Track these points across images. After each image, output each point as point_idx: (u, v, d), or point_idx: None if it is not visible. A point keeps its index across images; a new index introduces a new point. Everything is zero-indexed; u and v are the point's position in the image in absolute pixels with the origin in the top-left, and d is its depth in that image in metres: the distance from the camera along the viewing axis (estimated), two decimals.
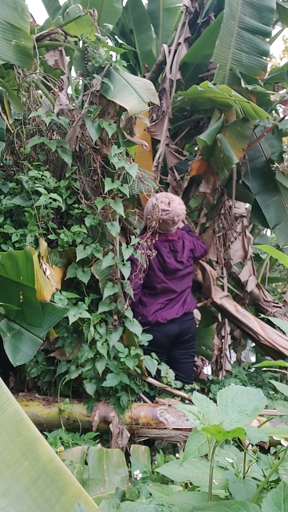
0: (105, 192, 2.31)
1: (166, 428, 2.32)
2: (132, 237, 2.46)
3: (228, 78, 2.93)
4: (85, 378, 2.33)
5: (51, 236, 2.32)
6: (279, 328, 3.14)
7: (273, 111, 3.66)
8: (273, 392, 2.99)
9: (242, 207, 3.70)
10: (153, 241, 2.65)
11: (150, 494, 1.25)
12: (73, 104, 2.50)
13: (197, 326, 3.19)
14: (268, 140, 3.49)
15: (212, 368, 3.74)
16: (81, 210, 2.37)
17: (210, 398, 0.95)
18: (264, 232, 5.03)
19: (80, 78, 2.42)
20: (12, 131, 2.41)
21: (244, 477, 0.90)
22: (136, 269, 2.51)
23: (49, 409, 2.32)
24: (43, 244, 2.21)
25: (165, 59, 3.27)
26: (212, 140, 2.80)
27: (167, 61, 3.22)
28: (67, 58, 2.64)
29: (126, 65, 3.16)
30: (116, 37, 4.22)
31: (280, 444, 0.97)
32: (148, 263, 2.62)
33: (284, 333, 3.20)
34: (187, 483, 1.08)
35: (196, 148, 3.72)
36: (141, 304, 2.75)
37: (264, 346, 3.26)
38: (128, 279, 2.48)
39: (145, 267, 2.52)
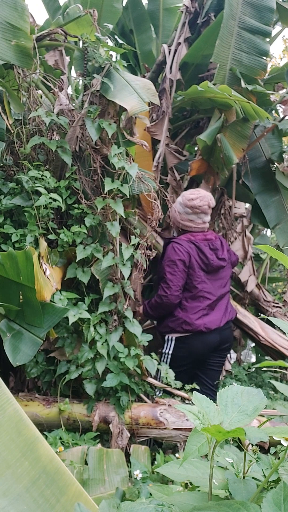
0: (105, 192, 2.31)
1: (166, 428, 2.32)
2: (132, 237, 2.46)
3: (228, 78, 2.93)
4: (85, 378, 2.33)
5: (51, 236, 2.32)
6: (279, 328, 3.14)
7: (273, 111, 3.66)
8: (273, 392, 2.99)
9: (242, 207, 3.69)
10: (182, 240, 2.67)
11: (150, 494, 1.25)
12: (73, 104, 2.50)
13: None
14: (268, 140, 3.50)
15: None
16: (81, 210, 2.37)
17: None
18: (264, 232, 5.03)
19: (80, 78, 2.42)
20: (12, 131, 2.41)
21: (244, 477, 0.90)
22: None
23: (49, 409, 2.32)
24: (43, 244, 2.21)
25: (165, 59, 3.27)
26: (212, 140, 2.80)
27: (167, 61, 3.22)
28: (67, 58, 2.64)
29: (126, 65, 3.16)
30: (116, 37, 4.22)
31: (280, 444, 0.97)
32: (190, 261, 2.58)
33: (284, 333, 3.20)
34: (187, 483, 1.08)
35: (196, 148, 3.72)
36: (181, 309, 2.63)
37: (264, 346, 3.26)
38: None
39: (145, 267, 2.52)
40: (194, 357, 2.65)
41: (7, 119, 2.41)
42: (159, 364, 2.54)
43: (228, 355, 3.69)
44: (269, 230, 4.62)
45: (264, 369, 3.35)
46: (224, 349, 2.77)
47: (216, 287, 2.70)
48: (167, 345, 2.66)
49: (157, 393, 2.53)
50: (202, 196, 2.67)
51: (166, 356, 2.62)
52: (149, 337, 2.49)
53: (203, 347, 2.63)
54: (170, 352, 2.62)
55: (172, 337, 2.64)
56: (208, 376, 2.76)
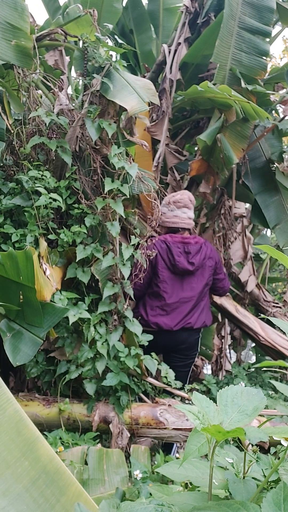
0: (105, 192, 2.31)
1: (166, 428, 2.32)
2: (132, 237, 2.46)
3: (228, 78, 2.93)
4: (85, 378, 2.33)
5: (51, 236, 2.32)
6: (279, 328, 3.14)
7: (273, 111, 3.66)
8: (273, 392, 2.99)
9: (242, 207, 3.70)
10: (166, 240, 2.67)
11: (150, 494, 1.25)
12: (73, 104, 2.50)
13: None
14: (268, 140, 3.50)
15: (212, 368, 3.74)
16: (81, 210, 2.37)
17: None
18: (264, 232, 5.03)
19: (80, 78, 2.42)
20: (12, 131, 2.41)
21: (244, 477, 0.90)
22: (136, 269, 2.51)
23: (49, 409, 2.32)
24: (43, 244, 2.21)
25: (165, 59, 3.27)
26: (212, 140, 2.80)
27: (167, 61, 3.22)
28: (67, 58, 2.64)
29: (126, 65, 3.16)
30: (116, 37, 4.22)
31: (280, 444, 0.97)
32: (155, 259, 2.60)
33: (284, 333, 3.20)
34: (187, 483, 1.08)
35: (196, 148, 3.72)
36: (142, 304, 2.71)
37: (264, 346, 3.26)
38: (129, 279, 2.48)
39: (145, 267, 2.51)
40: (156, 352, 2.63)
41: (7, 119, 2.41)
42: (159, 364, 2.54)
43: (227, 354, 3.68)
44: (269, 230, 4.62)
45: (264, 369, 3.35)
46: (182, 349, 2.74)
47: (180, 289, 2.69)
48: None
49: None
50: (182, 192, 2.82)
51: None
52: (150, 337, 2.50)
53: (157, 345, 2.60)
54: None
55: None
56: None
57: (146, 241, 2.60)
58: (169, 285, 2.68)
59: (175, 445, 2.59)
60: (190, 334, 2.73)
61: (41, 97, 2.69)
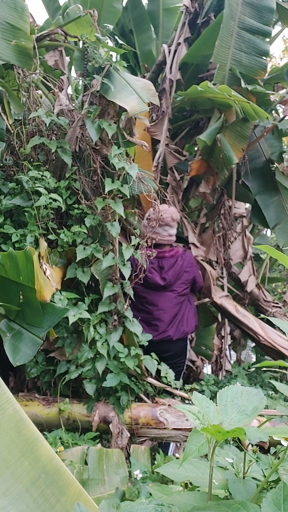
0: (105, 193, 2.31)
1: (166, 428, 2.32)
2: (132, 237, 2.46)
3: (228, 78, 2.93)
4: (85, 378, 2.33)
5: (51, 236, 2.32)
6: (279, 328, 3.13)
7: (273, 111, 3.66)
8: (273, 392, 2.99)
9: (242, 207, 3.70)
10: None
11: (150, 494, 1.25)
12: (73, 105, 2.50)
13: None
14: (268, 140, 3.50)
15: (212, 368, 3.74)
16: (81, 210, 2.38)
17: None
18: (264, 232, 5.03)
19: (80, 78, 2.42)
20: (12, 131, 2.41)
21: (244, 477, 0.90)
22: (136, 269, 2.51)
23: (49, 409, 2.32)
24: (43, 244, 2.21)
25: (165, 59, 3.27)
26: (212, 140, 2.80)
27: (167, 61, 3.22)
28: (67, 59, 2.64)
29: (126, 66, 3.16)
30: (116, 37, 4.22)
31: (280, 444, 0.97)
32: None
33: (284, 333, 3.20)
34: (187, 483, 1.08)
35: (196, 148, 3.72)
36: None
37: (264, 346, 3.26)
38: (129, 279, 2.48)
39: (145, 267, 2.51)
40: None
41: (7, 119, 2.41)
42: (159, 364, 2.54)
43: (227, 354, 3.68)
44: (269, 230, 4.62)
45: (264, 369, 3.35)
46: (167, 358, 2.72)
47: (157, 302, 2.72)
48: None
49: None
50: (165, 210, 2.75)
51: None
52: (149, 336, 2.50)
53: (146, 350, 2.59)
54: None
55: None
56: None
57: (147, 241, 2.60)
58: (144, 299, 2.72)
59: (172, 444, 2.59)
60: (173, 344, 2.74)
61: (41, 97, 2.69)
